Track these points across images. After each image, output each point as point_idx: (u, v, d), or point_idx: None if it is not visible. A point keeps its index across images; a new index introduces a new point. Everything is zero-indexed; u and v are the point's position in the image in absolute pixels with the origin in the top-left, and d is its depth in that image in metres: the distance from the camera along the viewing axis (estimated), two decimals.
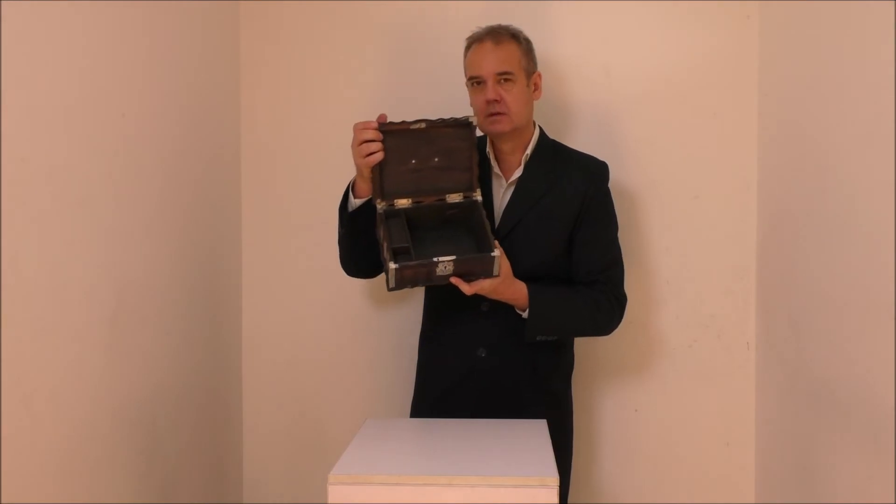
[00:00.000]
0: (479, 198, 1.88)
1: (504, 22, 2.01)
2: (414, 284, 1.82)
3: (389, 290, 1.81)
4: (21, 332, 1.42)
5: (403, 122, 1.82)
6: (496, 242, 1.82)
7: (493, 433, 1.73)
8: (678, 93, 2.32)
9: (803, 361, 2.00)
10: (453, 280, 1.80)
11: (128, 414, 1.78)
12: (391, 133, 1.81)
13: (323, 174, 2.34)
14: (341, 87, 2.40)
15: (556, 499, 1.40)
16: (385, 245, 1.80)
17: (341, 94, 2.40)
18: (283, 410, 2.44)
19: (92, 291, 1.64)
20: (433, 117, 1.86)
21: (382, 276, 2.06)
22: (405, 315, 2.32)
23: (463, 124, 1.85)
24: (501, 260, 1.81)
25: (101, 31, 1.68)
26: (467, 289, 1.82)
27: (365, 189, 1.89)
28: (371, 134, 1.80)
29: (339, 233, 2.00)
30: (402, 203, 1.85)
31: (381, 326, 2.42)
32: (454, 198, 1.87)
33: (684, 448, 2.36)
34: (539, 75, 2.02)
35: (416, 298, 2.17)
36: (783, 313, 2.14)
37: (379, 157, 1.81)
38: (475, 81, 1.96)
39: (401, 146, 1.81)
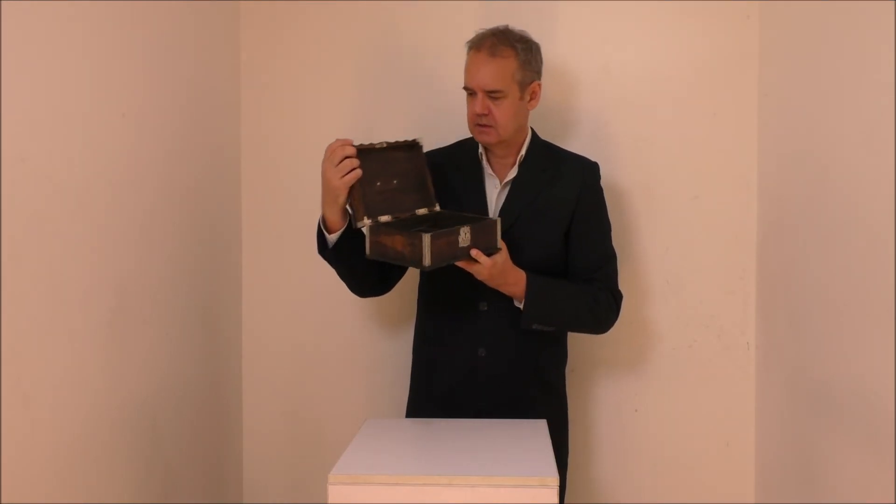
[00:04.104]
0: (438, 208, 1.94)
1: (505, 22, 2.00)
2: (442, 260, 1.82)
3: (426, 268, 1.79)
4: (21, 332, 1.42)
5: (364, 144, 1.85)
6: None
7: (493, 433, 1.73)
8: (678, 93, 2.32)
9: (803, 361, 2.00)
10: (473, 252, 1.81)
11: (128, 414, 1.78)
12: (361, 153, 1.83)
13: None
14: (341, 87, 2.40)
15: (556, 499, 1.40)
16: (403, 236, 1.81)
17: (341, 94, 2.40)
18: (283, 410, 2.44)
19: (91, 291, 1.64)
20: (392, 139, 1.93)
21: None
22: (405, 315, 2.32)
23: (408, 146, 1.92)
24: (501, 251, 1.86)
25: (101, 30, 1.68)
26: (486, 260, 1.82)
27: (337, 220, 1.87)
28: (351, 150, 1.81)
29: (335, 269, 1.99)
30: (384, 219, 1.86)
31: (381, 327, 2.42)
32: (422, 211, 1.92)
33: (684, 448, 2.36)
34: (538, 85, 1.99)
35: (415, 299, 2.17)
36: (783, 313, 2.14)
37: (359, 173, 1.81)
38: (468, 91, 1.96)
39: (368, 167, 1.84)
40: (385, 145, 1.89)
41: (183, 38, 2.06)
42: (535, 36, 2.02)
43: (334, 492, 1.42)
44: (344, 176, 1.80)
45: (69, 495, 1.57)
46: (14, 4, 1.39)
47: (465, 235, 1.81)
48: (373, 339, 2.42)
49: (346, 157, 1.80)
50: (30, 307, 1.45)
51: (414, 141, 1.94)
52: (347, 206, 1.86)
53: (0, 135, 1.36)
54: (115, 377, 1.73)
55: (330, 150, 1.82)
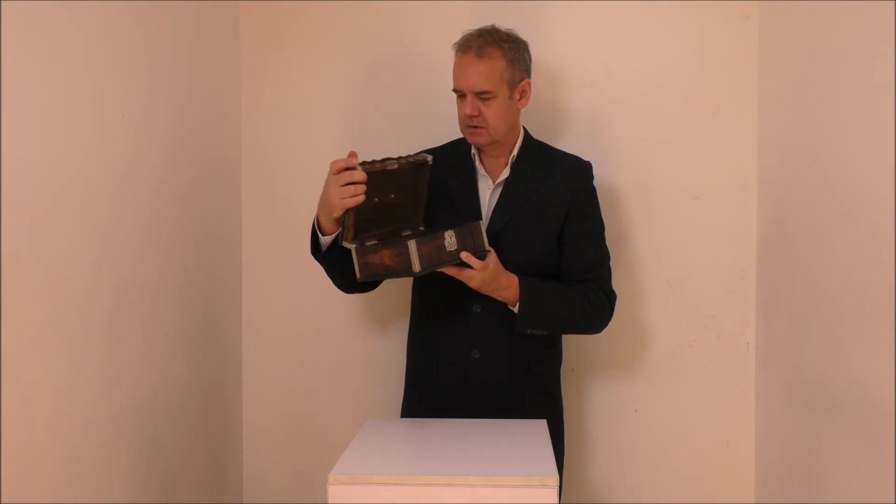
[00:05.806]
0: (422, 227, 1.93)
1: (505, 22, 2.00)
2: (432, 265, 1.82)
3: (417, 274, 1.82)
4: (21, 332, 1.42)
5: (375, 163, 1.80)
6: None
7: (493, 433, 1.73)
8: (678, 93, 2.32)
9: (803, 361, 2.00)
10: (463, 255, 1.81)
11: (128, 414, 1.78)
12: (369, 175, 1.79)
13: (322, 175, 2.33)
14: (341, 87, 2.40)
15: (556, 499, 1.40)
16: (389, 249, 1.82)
17: (341, 93, 2.40)
18: (283, 410, 2.44)
19: (91, 291, 1.64)
20: (396, 154, 1.87)
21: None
22: (406, 315, 2.32)
23: (419, 165, 1.87)
24: (490, 254, 1.85)
25: (101, 31, 1.68)
26: (478, 264, 1.83)
27: (331, 225, 1.87)
28: (361, 176, 1.76)
29: (325, 268, 1.99)
30: (370, 243, 1.85)
31: (381, 327, 2.42)
32: (406, 230, 1.91)
33: (684, 448, 2.36)
34: (528, 83, 1.98)
35: None
36: (783, 313, 2.14)
37: (361, 199, 1.77)
38: (457, 93, 1.96)
39: (370, 185, 1.80)
40: (396, 167, 1.82)
41: (183, 39, 2.06)
42: (535, 36, 2.02)
43: (334, 492, 1.42)
44: (345, 198, 1.77)
45: (69, 495, 1.57)
46: (14, 4, 1.39)
47: (450, 239, 1.82)
48: (373, 339, 2.42)
49: (352, 183, 1.77)
50: (30, 307, 1.45)
51: (425, 161, 1.87)
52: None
53: (0, 135, 1.36)
54: (115, 377, 1.73)
55: (337, 168, 1.78)
